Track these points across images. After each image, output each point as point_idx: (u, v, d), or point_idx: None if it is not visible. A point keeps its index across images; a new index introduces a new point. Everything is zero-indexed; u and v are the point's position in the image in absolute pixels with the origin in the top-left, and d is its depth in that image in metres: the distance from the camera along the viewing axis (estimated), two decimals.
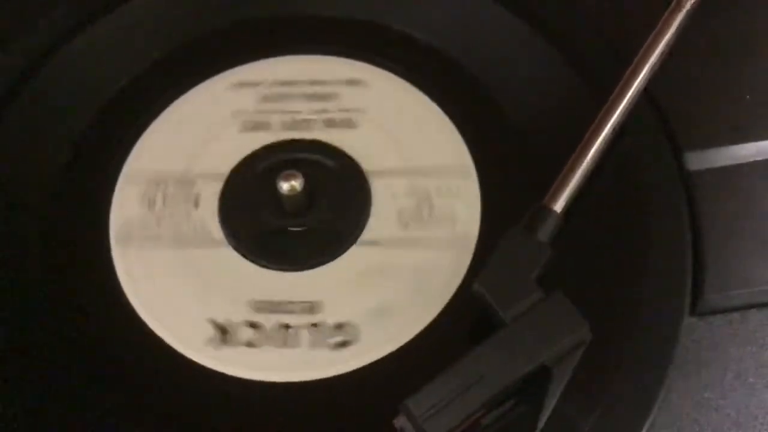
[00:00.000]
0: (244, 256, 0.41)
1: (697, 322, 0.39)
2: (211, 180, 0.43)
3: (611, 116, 0.40)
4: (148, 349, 0.39)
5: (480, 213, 0.42)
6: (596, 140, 0.40)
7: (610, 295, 0.38)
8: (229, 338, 0.39)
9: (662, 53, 0.42)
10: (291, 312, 0.39)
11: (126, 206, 0.42)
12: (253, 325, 0.39)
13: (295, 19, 0.48)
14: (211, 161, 0.44)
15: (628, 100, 0.41)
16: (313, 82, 0.46)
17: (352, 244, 0.41)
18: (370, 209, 0.42)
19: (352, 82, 0.46)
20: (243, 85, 0.46)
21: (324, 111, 0.45)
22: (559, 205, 0.38)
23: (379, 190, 0.43)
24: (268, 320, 0.39)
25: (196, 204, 0.42)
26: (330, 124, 0.45)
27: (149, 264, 0.41)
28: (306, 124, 0.45)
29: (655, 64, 0.41)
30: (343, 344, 0.38)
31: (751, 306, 0.39)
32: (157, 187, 0.43)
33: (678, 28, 0.42)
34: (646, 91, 0.42)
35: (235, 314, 0.39)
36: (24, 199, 0.42)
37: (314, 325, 0.39)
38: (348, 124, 0.45)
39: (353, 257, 0.41)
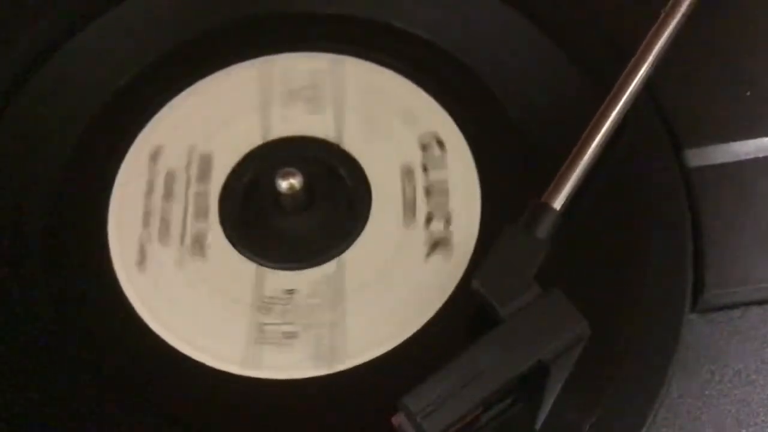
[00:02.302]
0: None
1: (697, 319, 0.39)
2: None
3: (611, 113, 0.40)
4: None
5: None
6: (596, 137, 0.40)
7: (610, 293, 0.38)
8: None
9: (662, 49, 0.41)
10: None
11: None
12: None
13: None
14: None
15: (628, 96, 0.40)
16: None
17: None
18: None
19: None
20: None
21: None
22: (558, 202, 0.38)
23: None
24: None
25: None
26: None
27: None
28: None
29: (655, 60, 0.41)
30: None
31: (752, 303, 0.39)
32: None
33: (678, 25, 0.42)
34: (646, 87, 0.42)
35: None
36: (23, 201, 0.42)
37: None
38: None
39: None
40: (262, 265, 0.41)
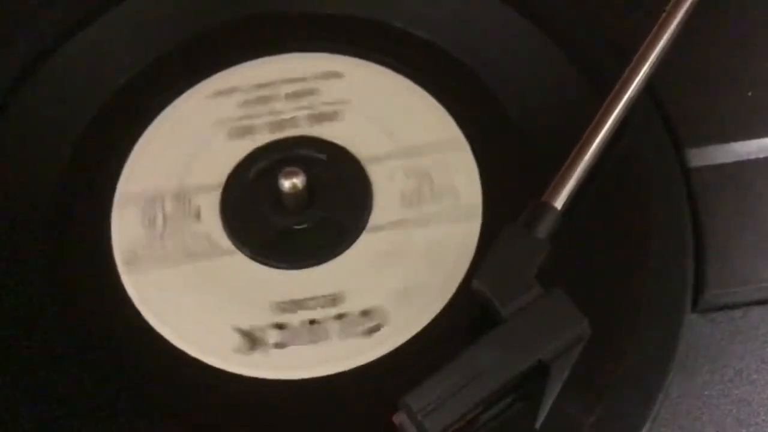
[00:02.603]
0: (256, 259, 0.41)
1: (698, 319, 0.39)
2: (208, 191, 0.43)
3: (612, 112, 0.40)
4: (176, 366, 0.38)
5: (480, 211, 0.42)
6: (596, 137, 0.40)
7: (611, 293, 0.38)
8: (257, 343, 0.38)
9: (663, 49, 0.41)
10: (314, 308, 0.39)
11: (126, 230, 0.42)
12: (280, 326, 0.39)
13: (263, 18, 0.48)
14: (205, 172, 0.43)
15: (628, 96, 0.40)
16: (292, 80, 0.46)
17: (361, 232, 0.41)
18: (372, 195, 0.42)
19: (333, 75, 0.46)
20: (221, 93, 0.46)
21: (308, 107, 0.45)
22: (558, 202, 0.38)
23: (377, 176, 0.43)
24: (293, 319, 0.39)
25: (198, 216, 0.42)
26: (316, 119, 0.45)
27: (162, 284, 0.40)
28: (292, 122, 0.44)
29: (657, 60, 0.41)
30: (374, 329, 0.38)
31: (753, 303, 0.39)
32: (154, 207, 0.42)
33: (679, 25, 0.42)
34: (647, 88, 0.42)
35: (259, 318, 0.39)
36: (22, 200, 0.42)
37: (340, 315, 0.39)
38: (334, 117, 0.45)
39: (364, 244, 0.41)
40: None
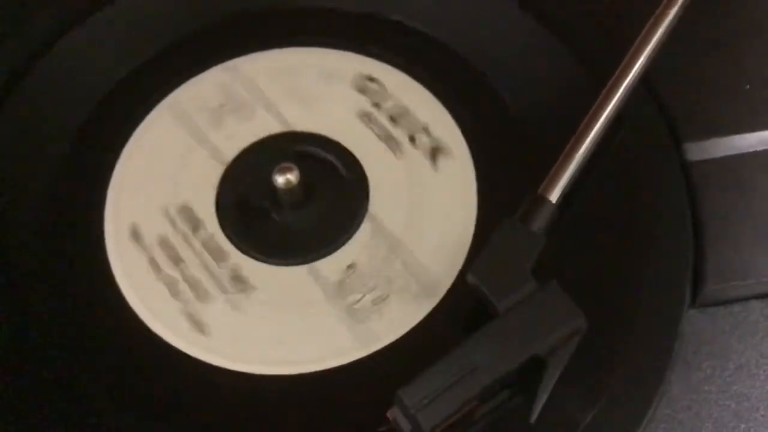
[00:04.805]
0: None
1: (697, 314, 0.39)
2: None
3: (607, 105, 0.40)
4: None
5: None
6: (591, 130, 0.39)
7: (610, 287, 0.38)
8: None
9: (660, 41, 0.41)
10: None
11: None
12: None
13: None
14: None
15: (624, 88, 0.40)
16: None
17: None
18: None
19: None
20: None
21: None
22: (554, 195, 0.38)
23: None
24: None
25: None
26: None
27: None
28: None
29: (653, 52, 0.41)
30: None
31: (752, 297, 0.39)
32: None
33: (676, 16, 0.42)
34: (645, 81, 0.42)
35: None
36: (20, 200, 0.42)
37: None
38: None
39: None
40: (308, 263, 0.41)
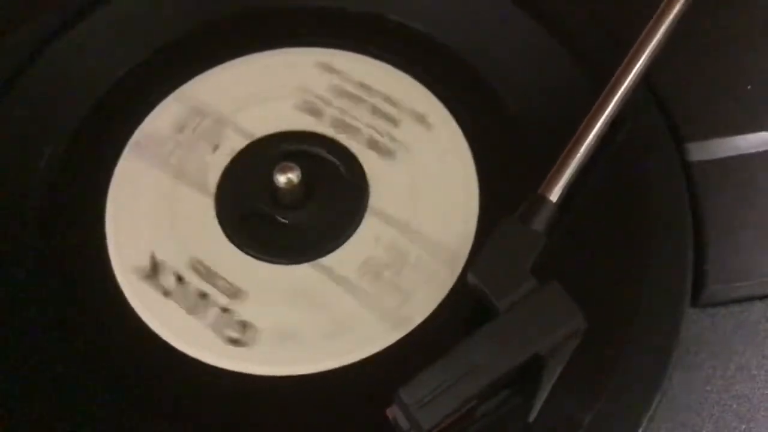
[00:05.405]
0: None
1: (699, 314, 0.39)
2: (239, 135, 0.43)
3: (608, 104, 0.40)
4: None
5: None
6: (592, 129, 0.39)
7: (611, 287, 0.38)
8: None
9: (661, 41, 0.41)
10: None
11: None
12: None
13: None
14: (249, 121, 0.44)
15: (625, 88, 0.40)
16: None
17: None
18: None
19: None
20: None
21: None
22: (554, 195, 0.38)
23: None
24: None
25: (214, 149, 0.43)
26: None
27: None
28: (353, 130, 0.44)
29: (654, 52, 0.41)
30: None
31: (754, 298, 0.39)
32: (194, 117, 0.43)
33: (677, 16, 0.42)
34: (647, 81, 0.42)
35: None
36: (20, 199, 0.42)
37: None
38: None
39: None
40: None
